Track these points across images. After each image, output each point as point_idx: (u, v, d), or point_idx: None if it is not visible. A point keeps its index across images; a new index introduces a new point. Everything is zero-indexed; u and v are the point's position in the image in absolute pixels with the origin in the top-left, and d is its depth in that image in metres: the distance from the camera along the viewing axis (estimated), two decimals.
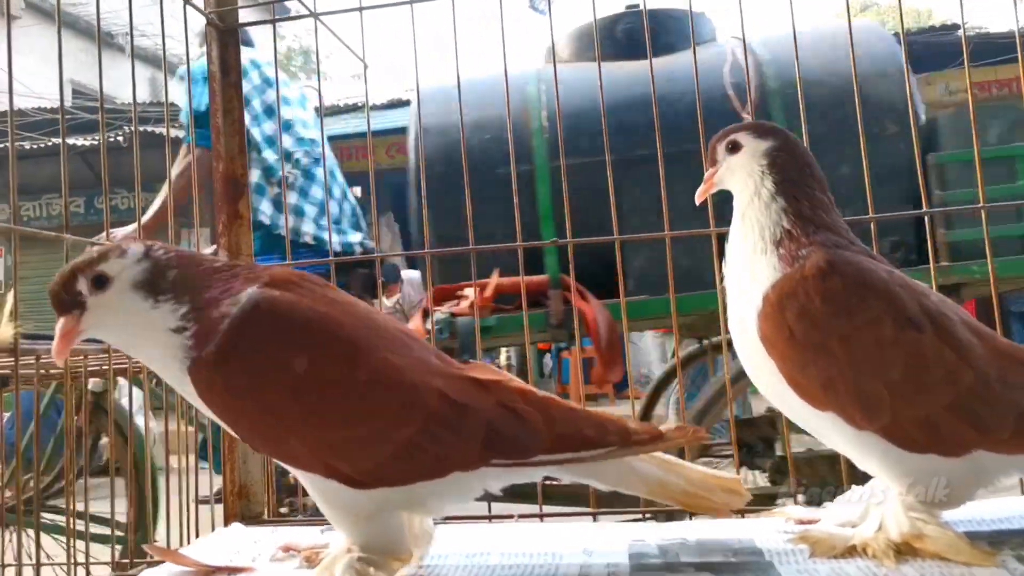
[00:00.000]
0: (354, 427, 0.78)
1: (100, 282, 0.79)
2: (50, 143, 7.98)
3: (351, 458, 0.79)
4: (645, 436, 0.84)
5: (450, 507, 0.87)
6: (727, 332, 0.96)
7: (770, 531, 0.98)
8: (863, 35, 3.06)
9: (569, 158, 1.65)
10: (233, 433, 0.82)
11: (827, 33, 3.04)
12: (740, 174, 0.96)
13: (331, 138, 7.37)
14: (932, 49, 6.80)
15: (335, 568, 0.81)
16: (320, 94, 1.77)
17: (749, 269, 0.90)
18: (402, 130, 7.51)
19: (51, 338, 1.03)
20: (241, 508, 1.21)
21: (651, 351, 7.24)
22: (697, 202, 1.01)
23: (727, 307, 0.95)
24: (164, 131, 1.29)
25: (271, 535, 1.06)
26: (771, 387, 0.89)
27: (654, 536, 0.97)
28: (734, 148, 0.98)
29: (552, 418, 0.82)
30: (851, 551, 0.85)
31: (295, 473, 0.83)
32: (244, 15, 1.42)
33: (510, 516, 1.18)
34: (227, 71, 1.38)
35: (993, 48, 6.42)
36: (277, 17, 1.40)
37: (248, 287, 0.81)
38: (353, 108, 8.05)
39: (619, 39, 3.24)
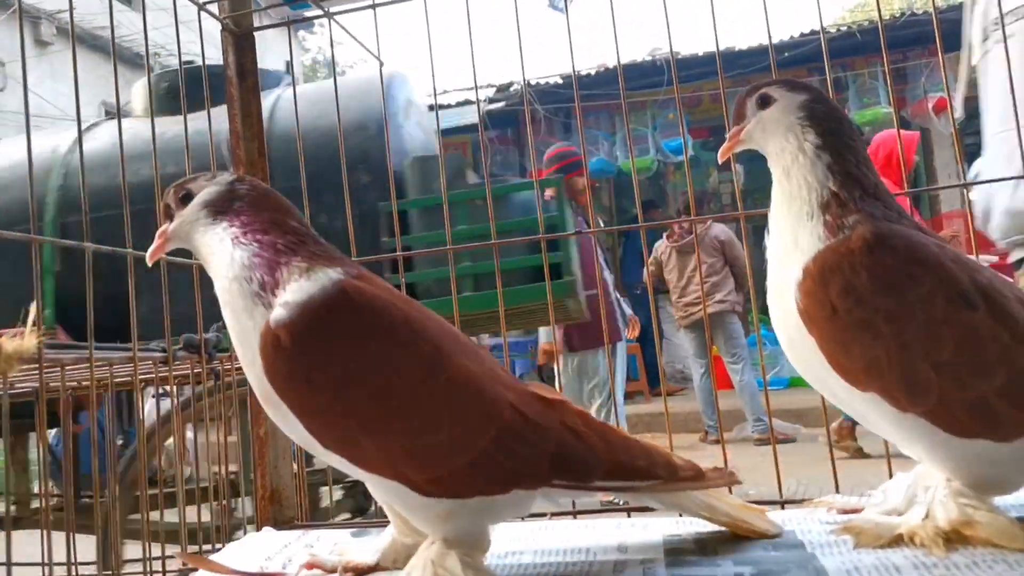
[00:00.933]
0: (432, 433, 0.76)
1: (185, 198, 0.85)
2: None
3: (423, 465, 0.76)
4: (689, 473, 0.85)
5: (503, 521, 0.85)
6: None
7: (812, 522, 0.94)
8: (357, 89, 3.34)
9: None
10: (288, 424, 0.78)
11: (325, 87, 3.32)
12: (777, 129, 0.90)
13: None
14: (958, 27, 6.62)
15: (424, 561, 0.80)
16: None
17: (792, 235, 0.86)
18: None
19: (75, 347, 1.04)
20: (273, 512, 1.20)
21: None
22: (721, 160, 0.95)
23: (768, 277, 0.91)
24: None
25: (300, 538, 1.06)
26: (808, 365, 0.85)
27: (690, 530, 0.94)
28: (765, 102, 0.91)
29: (611, 444, 0.81)
30: (897, 540, 0.81)
31: (358, 475, 0.80)
32: (258, 21, 1.42)
33: (543, 514, 1.15)
34: (244, 75, 1.38)
35: None
36: (291, 19, 1.40)
37: (329, 267, 0.79)
38: None
39: (162, 95, 3.53)
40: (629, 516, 1.07)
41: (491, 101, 7.67)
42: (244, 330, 0.79)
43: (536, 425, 0.78)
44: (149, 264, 0.92)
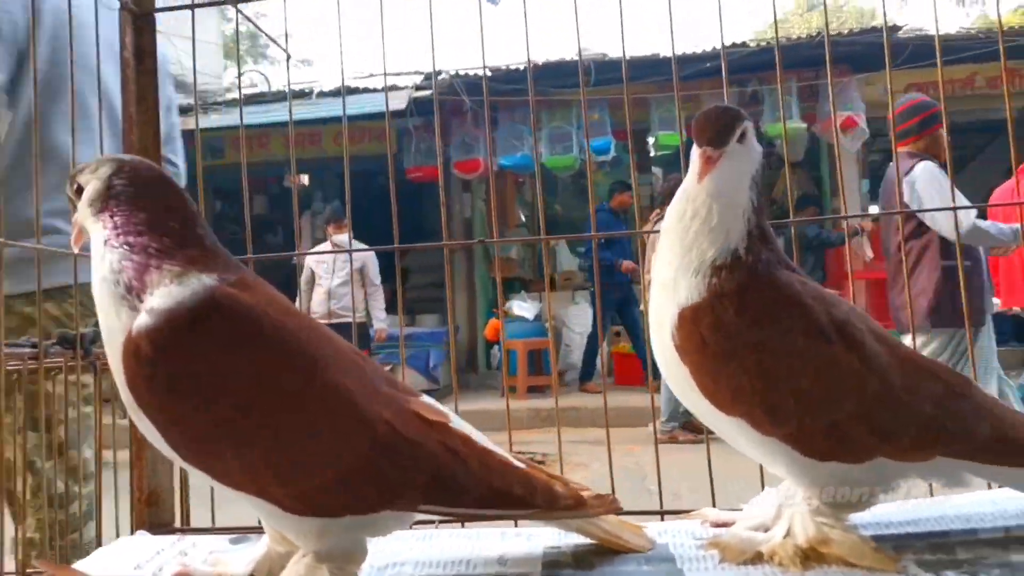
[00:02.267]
0: (299, 446, 0.74)
1: (79, 190, 0.82)
2: None
3: (288, 480, 0.74)
4: (569, 502, 0.84)
5: (379, 536, 0.84)
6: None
7: (685, 535, 0.98)
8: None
9: None
10: (150, 434, 0.75)
11: None
12: (740, 173, 0.87)
13: (277, 124, 7.21)
14: (873, 49, 6.95)
15: (295, 575, 0.78)
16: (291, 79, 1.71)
17: (674, 281, 0.87)
18: (350, 118, 7.42)
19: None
20: (149, 516, 1.16)
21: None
22: (700, 182, 0.86)
23: (649, 302, 0.93)
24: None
25: (175, 544, 1.02)
26: (683, 390, 0.89)
27: (571, 542, 0.96)
28: (743, 138, 0.87)
29: (490, 470, 0.80)
30: (759, 557, 0.85)
31: (222, 489, 0.78)
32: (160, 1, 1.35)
33: (431, 521, 1.15)
34: (141, 58, 1.31)
35: (931, 50, 6.59)
36: (196, 3, 1.34)
37: (204, 273, 0.75)
38: (299, 95, 7.88)
39: None
40: (516, 525, 1.08)
41: (417, 88, 7.58)
42: (111, 331, 0.76)
43: (411, 443, 0.77)
44: (76, 251, 0.90)
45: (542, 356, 6.74)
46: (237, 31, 1.40)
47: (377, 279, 5.55)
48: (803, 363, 0.84)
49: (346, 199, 1.39)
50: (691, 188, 0.88)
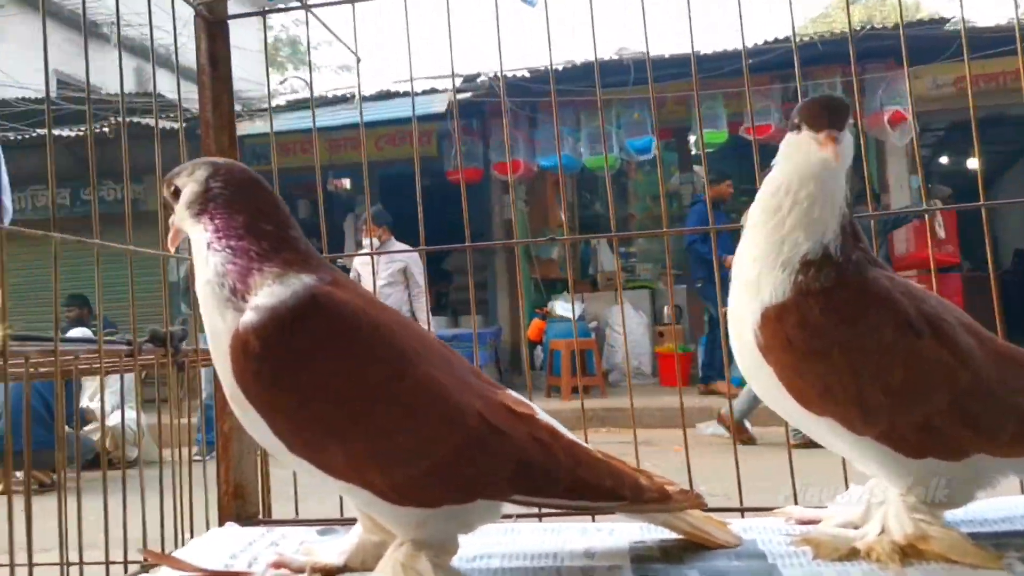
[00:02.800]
0: (397, 438, 0.77)
1: (176, 193, 0.86)
2: (35, 134, 7.86)
3: (388, 470, 0.77)
4: (655, 495, 0.86)
5: (473, 528, 0.86)
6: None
7: (772, 532, 0.97)
8: None
9: None
10: (255, 427, 0.78)
11: None
12: (845, 160, 0.85)
13: (319, 129, 7.31)
14: (920, 42, 6.80)
15: (393, 563, 0.80)
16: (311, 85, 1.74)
17: (757, 276, 0.86)
18: (391, 122, 7.49)
19: (41, 339, 1.02)
20: (236, 508, 1.19)
21: (640, 343, 7.25)
22: (836, 161, 0.83)
23: (729, 300, 0.92)
24: (151, 122, 1.26)
25: (265, 535, 1.05)
26: (767, 391, 0.88)
27: (655, 537, 0.96)
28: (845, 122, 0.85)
29: (578, 461, 0.82)
30: (854, 553, 0.85)
31: (326, 482, 0.80)
32: (233, 7, 1.39)
33: (510, 516, 1.16)
34: (216, 64, 1.35)
35: (980, 42, 6.42)
36: (268, 8, 1.37)
37: (303, 273, 0.79)
38: (342, 100, 7.97)
39: None
40: (594, 520, 1.09)
41: (458, 91, 7.63)
42: (215, 331, 0.79)
43: (501, 434, 0.79)
44: (171, 249, 0.94)
45: (585, 357, 6.72)
46: (308, 38, 1.44)
47: (422, 280, 5.59)
48: (893, 359, 0.82)
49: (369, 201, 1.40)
50: (785, 178, 0.87)
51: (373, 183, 9.65)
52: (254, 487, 1.21)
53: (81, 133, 7.26)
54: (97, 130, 7.26)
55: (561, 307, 6.91)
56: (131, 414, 3.63)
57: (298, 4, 1.37)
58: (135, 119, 7.05)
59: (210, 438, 1.37)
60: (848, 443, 0.86)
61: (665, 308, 7.35)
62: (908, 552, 0.82)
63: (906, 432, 0.83)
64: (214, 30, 1.37)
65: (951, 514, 0.91)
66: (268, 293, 0.77)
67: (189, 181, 0.85)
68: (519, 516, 1.16)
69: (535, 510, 1.17)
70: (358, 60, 1.40)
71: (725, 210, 6.36)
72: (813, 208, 0.85)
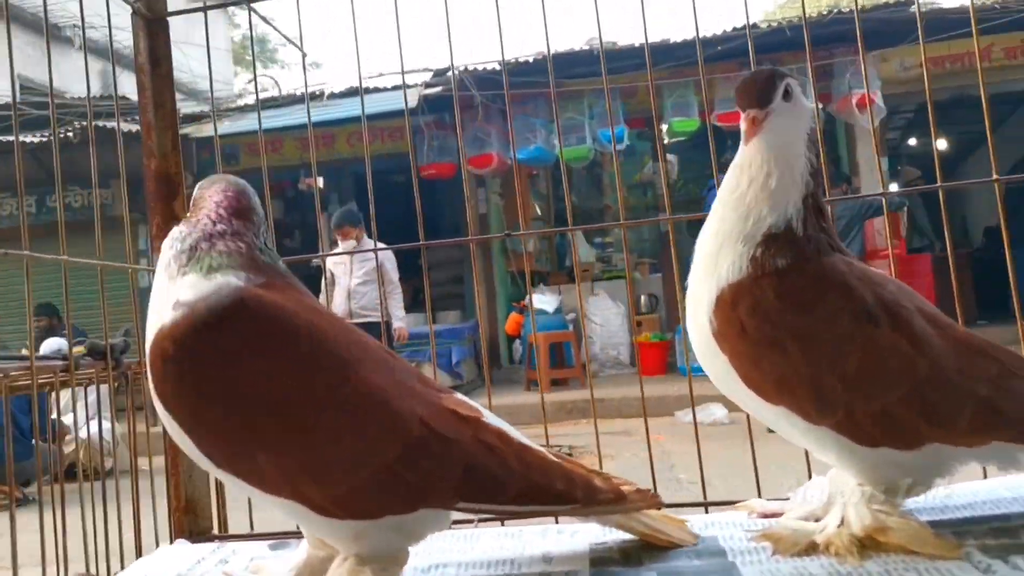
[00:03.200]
0: (333, 447, 0.73)
1: None
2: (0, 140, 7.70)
3: (323, 481, 0.73)
4: (609, 496, 0.83)
5: (420, 538, 0.82)
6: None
7: (733, 527, 0.95)
8: None
9: None
10: (180, 439, 0.75)
11: None
12: (793, 131, 0.83)
13: (293, 127, 7.22)
14: (886, 25, 6.84)
15: None
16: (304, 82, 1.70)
17: (715, 255, 0.84)
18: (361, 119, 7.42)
19: (16, 359, 0.98)
20: (188, 524, 1.15)
21: (618, 334, 7.26)
22: (746, 143, 0.84)
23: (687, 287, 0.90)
24: (115, 125, 1.21)
25: (215, 552, 1.01)
26: (722, 379, 0.86)
27: (616, 538, 0.94)
28: (787, 95, 0.83)
29: (527, 464, 0.79)
30: (814, 547, 0.83)
31: (255, 496, 0.77)
32: (173, 3, 1.34)
33: (470, 520, 1.14)
34: (157, 63, 1.30)
35: (945, 23, 6.47)
36: (208, 5, 1.33)
37: (233, 272, 0.76)
38: (311, 97, 7.88)
39: None
40: (557, 522, 1.07)
41: (427, 86, 7.57)
42: (153, 298, 0.77)
43: (446, 440, 0.76)
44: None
45: (563, 349, 6.72)
46: (252, 33, 1.40)
47: (395, 277, 5.53)
48: (849, 347, 0.80)
49: (369, 200, 1.37)
50: (743, 157, 0.85)
51: (346, 180, 9.57)
52: (206, 501, 1.17)
53: (45, 138, 7.11)
54: (62, 135, 7.12)
55: (538, 299, 6.89)
56: (105, 425, 3.57)
57: None
58: (100, 123, 6.93)
59: None
60: (804, 433, 0.84)
61: (642, 297, 7.37)
62: (867, 544, 0.81)
63: (862, 421, 0.81)
64: (154, 28, 1.32)
65: (912, 503, 0.90)
66: (192, 284, 0.75)
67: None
68: (480, 521, 1.13)
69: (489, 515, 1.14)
70: (304, 55, 1.36)
71: None
72: (770, 179, 0.83)
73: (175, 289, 0.75)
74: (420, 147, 7.66)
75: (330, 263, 5.50)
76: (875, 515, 0.82)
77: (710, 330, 0.83)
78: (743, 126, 0.84)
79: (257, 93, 1.56)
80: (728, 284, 0.82)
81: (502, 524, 1.13)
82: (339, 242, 5.44)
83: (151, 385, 0.73)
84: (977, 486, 0.98)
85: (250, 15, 1.33)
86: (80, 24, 1.28)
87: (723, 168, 0.93)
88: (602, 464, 1.10)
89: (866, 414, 0.80)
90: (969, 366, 0.82)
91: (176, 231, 0.81)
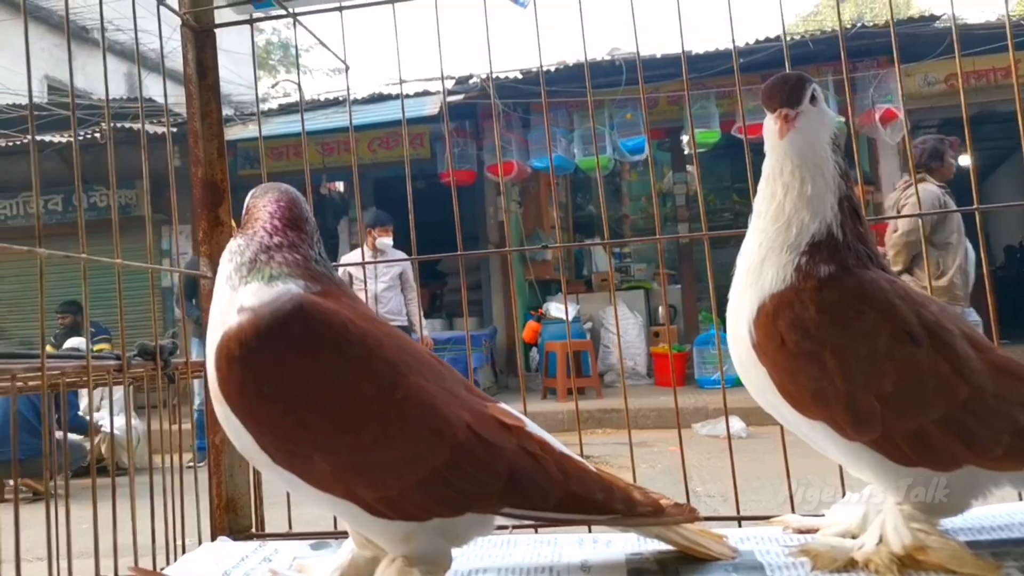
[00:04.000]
0: (384, 450, 0.76)
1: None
2: (26, 140, 7.83)
3: (375, 482, 0.76)
4: (648, 509, 0.85)
5: (464, 542, 0.85)
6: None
7: (769, 542, 0.96)
8: None
9: None
10: (239, 438, 0.78)
11: None
12: (820, 134, 0.84)
13: (312, 133, 7.29)
14: (911, 40, 6.82)
15: None
16: (300, 88, 1.73)
17: (760, 264, 0.85)
18: (384, 124, 7.47)
19: (27, 356, 1.01)
20: (228, 521, 1.18)
21: (635, 344, 7.24)
22: (781, 139, 0.84)
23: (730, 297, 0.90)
24: (140, 127, 1.25)
25: (258, 551, 1.04)
26: (762, 393, 0.87)
27: (651, 548, 0.95)
28: (814, 99, 0.85)
29: (568, 474, 0.81)
30: (852, 564, 0.84)
31: (309, 495, 0.80)
32: (221, 15, 1.38)
33: (505, 527, 1.15)
34: (204, 73, 1.34)
35: (970, 39, 6.44)
36: (255, 17, 1.36)
37: (292, 280, 0.80)
38: (334, 103, 7.95)
39: None
40: (591, 531, 1.08)
41: (450, 93, 7.62)
42: (215, 310, 0.81)
43: (491, 447, 0.78)
44: None
45: (581, 358, 6.72)
46: (296, 45, 1.43)
47: (414, 284, 5.57)
48: (888, 366, 0.81)
49: (409, 208, 1.39)
50: (773, 166, 0.87)
51: (367, 186, 9.64)
52: (247, 500, 1.19)
53: (72, 139, 7.22)
54: (88, 136, 7.23)
55: (556, 308, 6.90)
56: (131, 421, 3.62)
57: (285, 12, 1.36)
58: (125, 124, 7.02)
59: (202, 444, 1.37)
60: (840, 449, 0.85)
61: (660, 308, 7.36)
62: (906, 563, 0.82)
63: (899, 440, 0.82)
64: (201, 40, 1.35)
65: (949, 522, 0.90)
66: (255, 291, 0.78)
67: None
68: (515, 527, 1.15)
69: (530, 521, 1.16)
70: (347, 67, 1.39)
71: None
72: (805, 186, 0.85)
73: (238, 297, 0.78)
74: (441, 154, 7.71)
75: (353, 268, 5.54)
76: (915, 534, 0.82)
77: (750, 342, 0.84)
78: (775, 124, 0.84)
79: (302, 96, 1.59)
80: (771, 295, 0.84)
81: (535, 531, 1.14)
82: (374, 240, 5.46)
83: (214, 385, 0.76)
84: (1014, 507, 0.98)
85: (295, 26, 1.35)
86: (103, 26, 1.31)
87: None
88: (620, 474, 1.13)
89: (903, 434, 0.81)
90: (1007, 391, 0.83)
91: (235, 244, 0.84)
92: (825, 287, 0.83)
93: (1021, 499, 1.02)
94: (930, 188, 4.04)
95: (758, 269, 0.85)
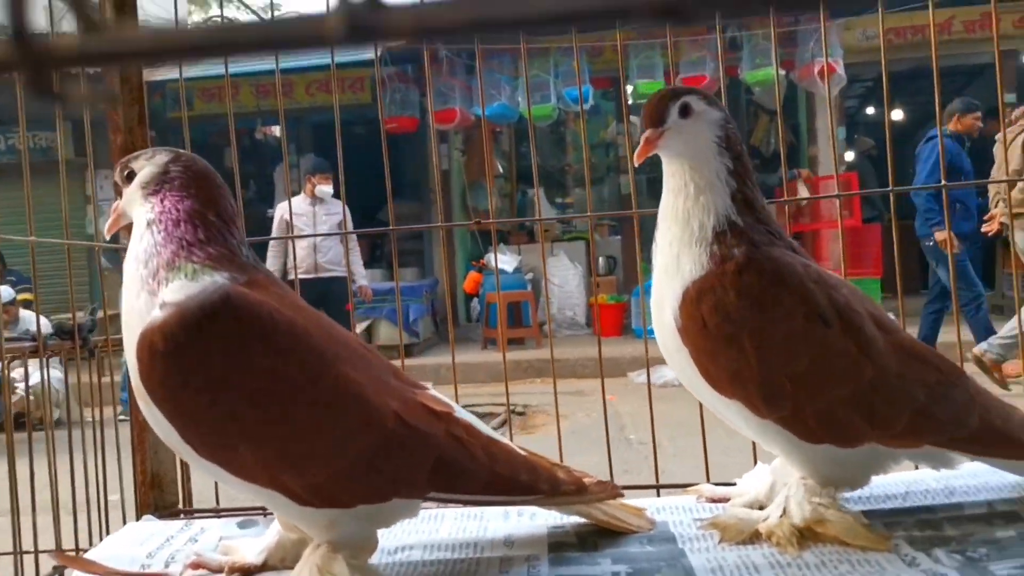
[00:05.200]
0: (311, 439, 0.77)
1: (129, 176, 0.85)
2: None
3: (301, 471, 0.77)
4: (571, 488, 0.88)
5: (390, 525, 0.87)
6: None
7: (683, 512, 1.01)
8: None
9: None
10: (163, 430, 0.78)
11: None
12: (697, 144, 0.90)
13: (245, 74, 7.01)
14: None
15: (310, 566, 0.80)
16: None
17: (677, 257, 0.89)
18: (323, 67, 7.23)
19: None
20: (154, 498, 1.17)
21: (575, 294, 7.34)
22: (637, 163, 0.93)
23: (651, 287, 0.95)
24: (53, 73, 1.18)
25: (184, 530, 1.04)
26: (683, 371, 0.91)
27: (573, 521, 0.99)
28: (686, 111, 0.90)
29: (494, 457, 0.84)
30: (757, 536, 0.89)
31: (233, 484, 0.80)
32: None
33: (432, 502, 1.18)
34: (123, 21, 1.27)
35: None
36: None
37: (219, 272, 0.78)
38: None
39: None
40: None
41: None
42: (129, 312, 0.78)
43: (419, 434, 0.80)
44: (107, 236, 0.93)
45: (521, 309, 6.78)
46: None
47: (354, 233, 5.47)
48: (801, 347, 0.86)
49: (338, 151, 1.37)
50: (666, 177, 0.92)
51: (306, 132, 9.37)
52: (172, 476, 1.19)
53: None
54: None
55: (498, 259, 6.91)
56: (54, 373, 3.52)
57: None
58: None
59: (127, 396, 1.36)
60: (753, 426, 0.90)
61: (600, 259, 7.44)
62: (806, 535, 0.87)
63: (807, 418, 0.87)
64: None
65: (851, 493, 0.96)
66: (179, 288, 0.77)
67: (148, 164, 0.85)
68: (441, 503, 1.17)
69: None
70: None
71: (966, 147, 4.91)
72: (690, 188, 0.90)
73: (160, 295, 0.77)
74: (384, 99, 7.53)
75: (288, 214, 5.42)
76: (815, 508, 0.88)
77: (675, 326, 0.88)
78: (640, 144, 0.91)
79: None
80: (692, 282, 0.87)
81: (463, 505, 1.17)
82: (313, 188, 5.33)
83: (136, 379, 0.75)
84: (913, 476, 1.05)
85: None
86: None
87: None
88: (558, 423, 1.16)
89: (812, 412, 0.86)
90: (910, 371, 0.88)
91: (146, 246, 0.80)
92: (744, 271, 0.86)
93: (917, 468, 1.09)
94: None
95: (675, 263, 0.90)
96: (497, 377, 5.13)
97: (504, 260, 6.82)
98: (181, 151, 0.88)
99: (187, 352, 0.74)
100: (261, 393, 0.76)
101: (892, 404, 0.87)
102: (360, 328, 5.74)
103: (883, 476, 1.04)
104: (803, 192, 6.76)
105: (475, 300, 7.07)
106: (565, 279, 7.14)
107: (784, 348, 0.86)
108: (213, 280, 0.78)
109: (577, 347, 6.99)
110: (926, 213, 4.59)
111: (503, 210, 8.58)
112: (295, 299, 0.85)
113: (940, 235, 4.48)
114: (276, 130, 8.77)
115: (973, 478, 1.02)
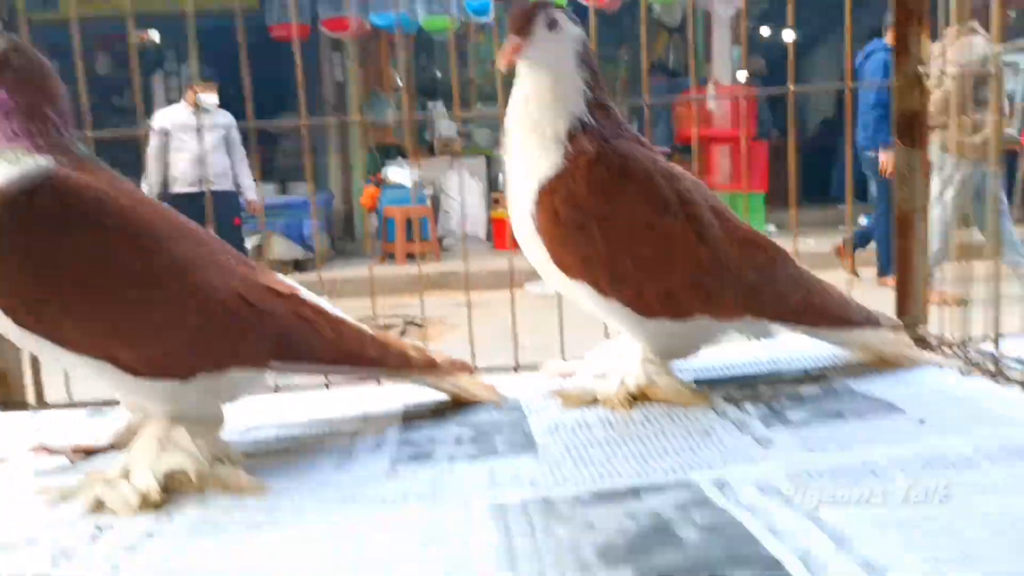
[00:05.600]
0: (141, 314, 0.78)
1: None
2: None
3: (133, 344, 0.79)
4: (421, 363, 0.94)
5: (237, 398, 0.87)
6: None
7: (534, 388, 1.06)
8: None
9: None
10: None
11: None
12: (560, 56, 0.93)
13: None
14: None
15: (148, 437, 0.80)
16: None
17: (533, 158, 0.93)
18: None
19: None
20: (1, 395, 1.13)
21: (477, 210, 7.34)
22: (503, 68, 0.94)
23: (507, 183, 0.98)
24: None
25: (30, 422, 1.01)
26: (537, 260, 0.97)
27: (430, 400, 1.03)
28: (552, 25, 0.93)
29: (341, 334, 0.87)
30: (595, 402, 0.96)
31: (64, 360, 0.80)
32: None
33: (295, 387, 1.19)
34: None
35: None
36: None
37: (43, 155, 0.78)
38: None
39: None
40: (380, 384, 1.14)
41: None
42: None
43: (258, 310, 0.83)
44: None
45: (420, 223, 6.74)
46: None
47: (241, 145, 5.23)
48: (644, 234, 0.92)
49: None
50: (522, 88, 0.95)
51: (185, 36, 8.75)
52: (19, 372, 1.15)
53: None
54: None
55: (395, 173, 6.80)
56: None
57: None
58: None
59: None
60: (599, 305, 0.96)
61: (500, 175, 7.44)
62: (639, 398, 0.95)
63: (648, 298, 0.93)
64: None
65: (687, 363, 1.04)
66: (1, 172, 0.76)
67: None
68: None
69: (323, 379, 1.20)
70: None
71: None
72: (545, 94, 0.93)
73: None
74: (270, 4, 7.10)
75: (169, 124, 5.11)
76: (648, 375, 0.95)
77: (531, 221, 0.93)
78: (505, 50, 0.92)
79: None
80: (547, 179, 0.92)
81: (327, 388, 1.19)
82: (195, 96, 5.01)
83: None
84: (736, 351, 1.14)
85: None
86: None
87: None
88: (451, 333, 1.18)
89: (652, 292, 0.93)
90: (742, 255, 0.96)
91: None
92: (594, 165, 0.91)
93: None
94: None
95: (532, 163, 0.93)
96: (397, 290, 5.12)
97: (401, 175, 6.71)
98: (19, 39, 0.85)
99: (8, 234, 0.74)
100: (87, 271, 0.76)
101: (724, 283, 0.95)
102: (251, 243, 5.56)
103: (715, 352, 1.13)
104: (714, 102, 6.88)
105: (373, 214, 6.96)
106: (456, 192, 7.12)
107: (629, 235, 0.92)
108: (36, 163, 0.78)
109: (476, 260, 7.03)
110: (875, 123, 4.59)
111: (400, 124, 8.38)
112: (129, 186, 0.85)
113: (885, 156, 4.55)
114: (155, 35, 8.16)
115: (795, 351, 1.12)
